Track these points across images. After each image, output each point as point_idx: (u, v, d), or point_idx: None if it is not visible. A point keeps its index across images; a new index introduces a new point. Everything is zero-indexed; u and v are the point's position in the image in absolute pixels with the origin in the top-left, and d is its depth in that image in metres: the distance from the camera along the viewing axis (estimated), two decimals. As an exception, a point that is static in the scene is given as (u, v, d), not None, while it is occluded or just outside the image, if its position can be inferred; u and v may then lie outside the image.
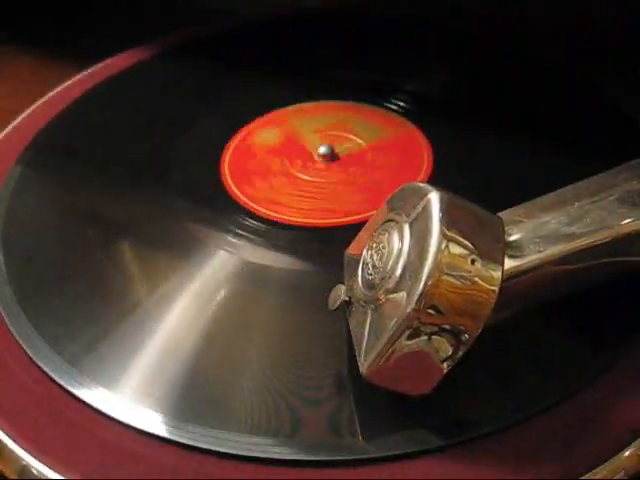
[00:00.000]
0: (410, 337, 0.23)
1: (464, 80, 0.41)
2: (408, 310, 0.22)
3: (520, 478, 0.24)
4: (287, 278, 0.30)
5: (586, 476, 0.24)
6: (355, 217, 0.32)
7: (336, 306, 0.26)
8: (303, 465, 0.24)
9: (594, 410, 0.25)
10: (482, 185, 0.33)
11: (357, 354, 0.25)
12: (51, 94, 0.42)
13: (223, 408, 0.26)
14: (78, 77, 0.43)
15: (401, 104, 0.39)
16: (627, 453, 0.25)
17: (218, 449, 0.25)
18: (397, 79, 0.41)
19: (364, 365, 0.24)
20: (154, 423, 0.25)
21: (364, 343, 0.24)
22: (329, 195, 0.34)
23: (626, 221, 0.25)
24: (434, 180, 0.34)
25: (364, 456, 0.24)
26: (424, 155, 0.36)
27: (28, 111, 0.41)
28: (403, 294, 0.23)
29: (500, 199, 0.26)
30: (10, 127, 0.39)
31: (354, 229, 0.29)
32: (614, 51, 0.41)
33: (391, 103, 0.39)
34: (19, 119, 0.40)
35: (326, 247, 0.31)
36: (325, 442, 0.25)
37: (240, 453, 0.24)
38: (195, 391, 0.26)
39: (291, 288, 0.30)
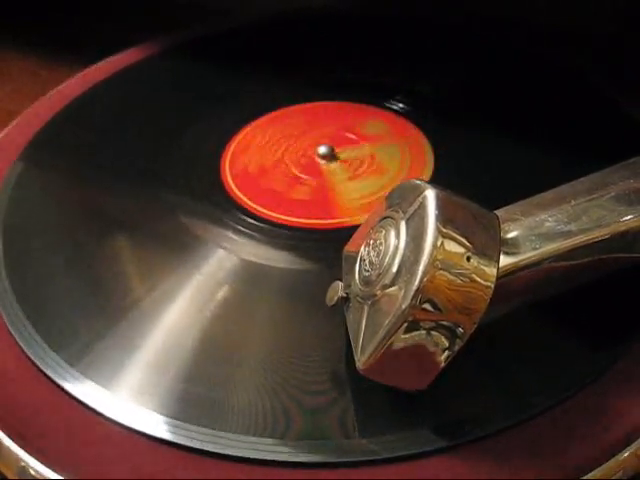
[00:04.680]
0: (406, 333, 0.23)
1: (464, 80, 0.41)
2: (404, 306, 0.23)
3: (520, 478, 0.24)
4: (286, 277, 0.30)
5: (586, 476, 0.24)
6: (354, 217, 0.32)
7: (334, 302, 0.26)
8: (302, 466, 0.24)
9: (594, 410, 0.25)
10: (482, 185, 0.33)
11: (354, 349, 0.25)
12: (52, 93, 0.42)
13: (222, 408, 0.26)
14: (78, 77, 0.43)
15: (401, 104, 0.39)
16: (627, 453, 0.24)
17: (217, 450, 0.25)
18: (397, 79, 0.41)
19: (361, 360, 0.24)
20: (153, 423, 0.25)
21: (361, 338, 0.24)
22: (329, 195, 0.34)
23: (623, 219, 0.25)
24: (434, 180, 0.34)
25: (364, 458, 0.24)
26: (424, 155, 0.36)
27: (29, 110, 0.41)
28: (399, 290, 0.23)
29: (500, 199, 0.26)
30: (11, 125, 0.40)
31: (353, 229, 0.28)
32: (614, 51, 0.41)
33: (391, 103, 0.39)
34: (20, 117, 0.40)
35: (325, 246, 0.31)
36: (325, 443, 0.25)
37: (239, 454, 0.24)
38: (194, 391, 0.26)
39: (290, 287, 0.30)
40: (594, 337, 0.27)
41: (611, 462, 0.24)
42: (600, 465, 0.24)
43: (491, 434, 0.24)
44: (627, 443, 0.25)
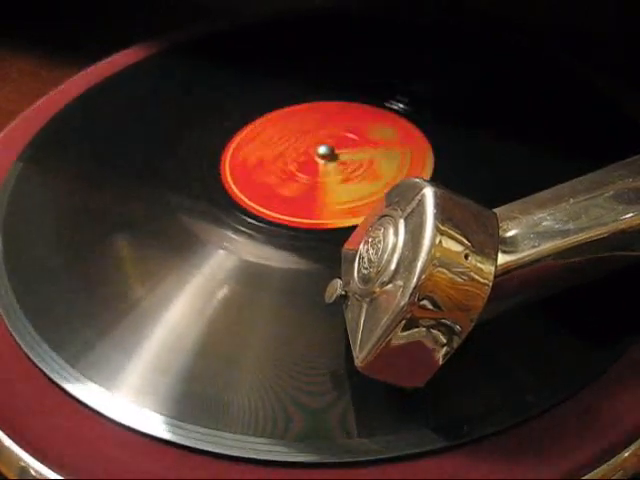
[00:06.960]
0: (404, 330, 0.23)
1: (464, 80, 0.41)
2: (402, 303, 0.23)
3: (520, 478, 0.24)
4: (286, 277, 0.30)
5: (586, 476, 0.24)
6: (335, 220, 0.32)
7: (332, 300, 0.26)
8: (302, 466, 0.24)
9: (594, 410, 0.25)
10: (482, 185, 0.33)
11: (352, 347, 0.25)
12: (51, 93, 0.42)
13: (222, 408, 0.26)
14: (78, 76, 0.43)
15: (401, 104, 0.39)
16: (627, 453, 0.24)
17: (217, 450, 0.25)
18: (397, 79, 0.41)
19: (359, 357, 0.24)
20: (153, 424, 0.25)
21: (359, 336, 0.24)
22: (328, 195, 0.34)
23: (621, 218, 0.25)
24: (434, 180, 0.34)
25: (364, 458, 0.24)
26: (424, 155, 0.36)
27: (29, 110, 0.41)
28: (397, 288, 0.23)
29: (500, 199, 0.26)
30: (11, 125, 0.40)
31: (354, 229, 0.28)
32: (614, 51, 0.41)
33: (391, 103, 0.39)
34: (20, 117, 0.40)
35: (325, 247, 0.31)
36: (325, 443, 0.25)
37: (239, 454, 0.24)
38: (194, 391, 0.26)
39: (290, 287, 0.30)
40: (594, 337, 0.27)
41: (611, 462, 0.24)
42: (600, 465, 0.24)
43: (491, 434, 0.24)
44: (627, 443, 0.25)
